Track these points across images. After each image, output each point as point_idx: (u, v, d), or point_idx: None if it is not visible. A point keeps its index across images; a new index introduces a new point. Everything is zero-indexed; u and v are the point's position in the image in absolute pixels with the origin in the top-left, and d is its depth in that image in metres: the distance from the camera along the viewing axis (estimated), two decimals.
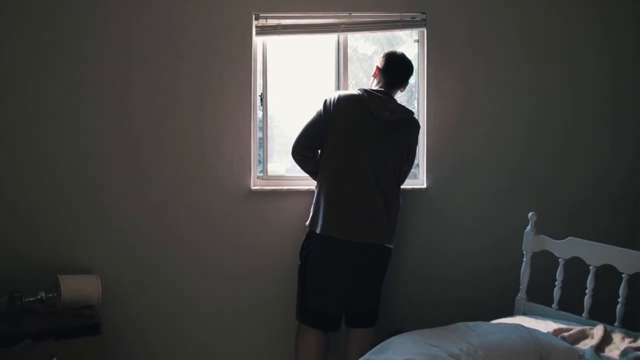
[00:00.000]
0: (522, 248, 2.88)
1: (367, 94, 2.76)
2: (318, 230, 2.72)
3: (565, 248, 2.75)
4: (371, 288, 2.84)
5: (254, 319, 3.11)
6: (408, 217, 3.09)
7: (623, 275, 2.57)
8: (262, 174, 3.16)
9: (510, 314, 2.85)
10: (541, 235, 2.84)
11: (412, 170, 3.01)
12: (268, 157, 3.18)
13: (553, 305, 2.78)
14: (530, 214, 2.86)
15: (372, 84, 2.89)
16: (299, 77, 3.25)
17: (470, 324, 2.45)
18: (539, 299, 2.85)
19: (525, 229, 2.87)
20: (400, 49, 3.07)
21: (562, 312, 2.74)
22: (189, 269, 3.04)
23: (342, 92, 2.85)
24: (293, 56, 3.22)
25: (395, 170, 2.79)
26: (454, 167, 3.16)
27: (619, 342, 2.42)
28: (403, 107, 2.83)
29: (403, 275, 3.16)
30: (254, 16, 3.01)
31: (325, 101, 2.79)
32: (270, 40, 3.11)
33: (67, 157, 2.90)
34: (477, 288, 3.16)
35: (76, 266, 2.88)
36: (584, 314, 2.68)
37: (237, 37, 2.99)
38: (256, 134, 3.11)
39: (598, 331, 2.48)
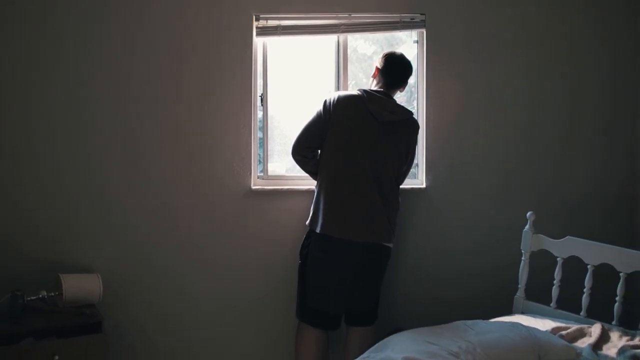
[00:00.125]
0: (521, 247, 2.90)
1: (366, 94, 2.78)
2: (318, 230, 2.74)
3: (564, 247, 2.76)
4: (371, 287, 2.85)
5: (254, 317, 3.13)
6: (407, 216, 3.10)
7: (620, 274, 2.59)
8: (262, 174, 3.17)
9: (509, 312, 2.86)
10: (539, 235, 2.85)
11: (412, 170, 3.02)
12: (268, 157, 3.19)
13: (551, 304, 2.79)
14: (528, 214, 2.87)
15: (372, 85, 2.90)
16: (299, 77, 3.27)
17: (469, 322, 2.47)
18: (538, 297, 2.86)
19: (524, 228, 2.88)
20: (399, 50, 3.09)
21: (560, 311, 2.75)
22: (189, 267, 3.05)
23: (342, 93, 2.87)
24: (293, 57, 3.24)
25: (394, 170, 2.81)
26: (453, 167, 3.17)
27: (617, 341, 2.43)
28: (402, 107, 2.84)
29: (402, 274, 3.17)
30: (254, 17, 3.03)
31: (325, 101, 2.80)
32: (271, 40, 3.13)
33: (68, 157, 2.92)
34: (475, 287, 3.17)
35: (77, 265, 2.90)
36: (582, 313, 2.69)
37: (238, 38, 3.01)
38: (256, 134, 3.13)
39: (596, 329, 2.49)
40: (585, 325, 2.55)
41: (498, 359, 2.16)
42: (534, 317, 2.71)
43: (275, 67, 3.17)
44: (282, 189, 3.10)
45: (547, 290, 2.82)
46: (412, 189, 3.12)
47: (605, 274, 2.66)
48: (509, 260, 3.04)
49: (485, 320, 2.55)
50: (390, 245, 2.83)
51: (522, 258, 2.89)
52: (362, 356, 2.26)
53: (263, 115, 3.16)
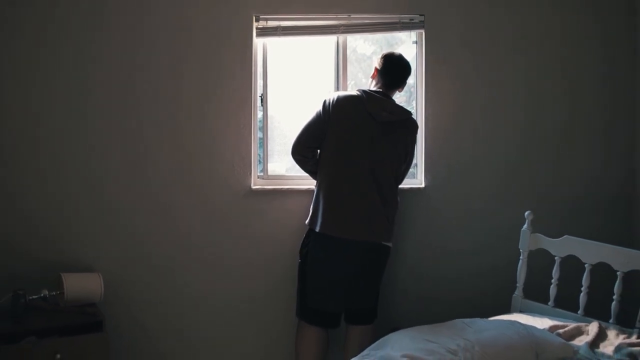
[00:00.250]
0: (519, 246, 2.91)
1: (365, 94, 2.79)
2: (317, 229, 2.75)
3: (561, 246, 2.78)
4: (370, 286, 2.86)
5: (254, 316, 3.14)
6: (406, 216, 3.11)
7: (618, 273, 2.60)
8: (262, 174, 3.18)
9: (507, 311, 2.88)
10: (537, 234, 2.87)
11: (411, 169, 3.02)
12: (268, 156, 3.20)
13: (549, 303, 2.80)
14: (526, 213, 2.88)
15: (371, 85, 2.91)
16: (298, 77, 3.28)
17: (467, 320, 2.48)
18: (535, 296, 2.87)
19: (522, 227, 2.89)
20: (399, 50, 3.10)
21: (558, 310, 2.76)
22: (190, 267, 3.07)
23: (341, 93, 2.88)
24: (293, 57, 3.25)
25: (393, 170, 2.82)
26: (452, 166, 3.18)
27: (614, 339, 2.44)
28: (401, 107, 2.86)
29: (401, 273, 3.18)
30: (254, 18, 3.04)
31: (325, 102, 2.82)
32: (271, 41, 3.14)
33: (69, 156, 2.93)
34: (474, 285, 3.18)
35: (79, 264, 2.91)
36: (579, 311, 2.70)
37: (238, 39, 3.02)
38: (256, 134, 3.14)
39: (593, 328, 2.50)
40: (583, 324, 2.56)
41: (496, 356, 2.17)
42: (532, 315, 2.72)
43: (275, 67, 3.18)
44: (282, 188, 3.11)
45: (545, 289, 2.82)
46: (411, 188, 3.13)
47: (603, 272, 2.66)
48: (507, 259, 3.04)
49: (483, 319, 2.55)
50: (390, 244, 2.84)
51: (520, 257, 2.90)
52: (361, 354, 2.27)
53: (263, 115, 3.17)
